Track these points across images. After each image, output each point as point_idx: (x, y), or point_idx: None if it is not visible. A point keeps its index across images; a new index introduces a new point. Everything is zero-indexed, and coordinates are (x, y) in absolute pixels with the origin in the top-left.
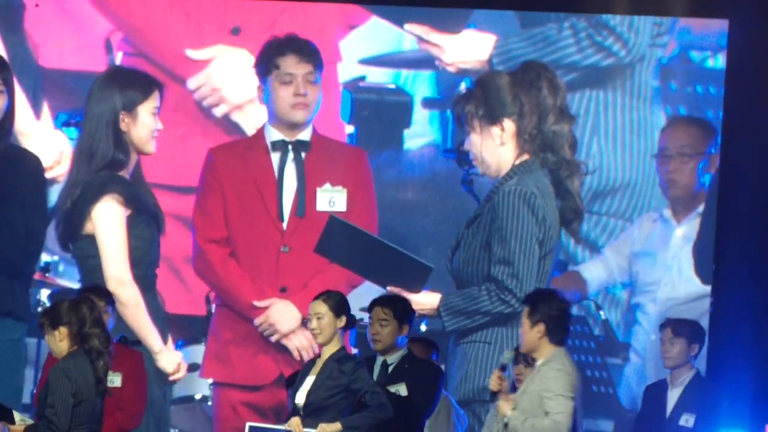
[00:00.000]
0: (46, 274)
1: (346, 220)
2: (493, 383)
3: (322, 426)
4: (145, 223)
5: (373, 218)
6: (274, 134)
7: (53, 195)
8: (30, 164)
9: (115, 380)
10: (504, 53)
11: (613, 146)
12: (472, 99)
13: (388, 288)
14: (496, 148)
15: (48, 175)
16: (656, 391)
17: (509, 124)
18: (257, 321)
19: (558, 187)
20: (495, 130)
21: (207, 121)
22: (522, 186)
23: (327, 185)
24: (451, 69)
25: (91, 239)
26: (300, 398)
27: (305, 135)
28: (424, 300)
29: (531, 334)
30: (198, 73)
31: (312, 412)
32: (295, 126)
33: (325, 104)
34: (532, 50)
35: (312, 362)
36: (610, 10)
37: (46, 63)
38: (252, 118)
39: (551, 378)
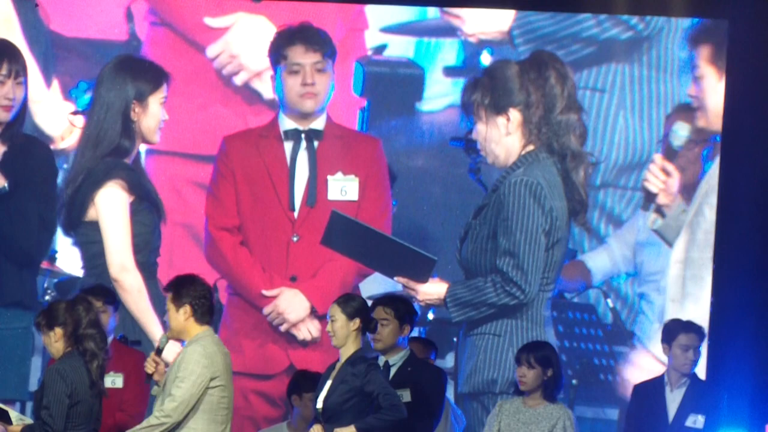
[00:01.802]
0: (53, 263)
1: (347, 215)
2: (149, 365)
3: (337, 431)
4: (147, 210)
5: (386, 207)
6: (287, 123)
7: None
8: (41, 153)
9: (116, 381)
10: (523, 25)
11: (640, 120)
12: (479, 87)
13: (396, 278)
14: (501, 137)
15: (57, 146)
16: (651, 391)
17: (515, 114)
18: (266, 310)
19: (565, 178)
20: (500, 119)
21: (227, 89)
22: (528, 176)
23: (339, 174)
24: (472, 39)
25: (94, 225)
26: (319, 403)
27: (318, 124)
28: (431, 289)
29: (178, 317)
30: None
31: (330, 417)
32: (307, 115)
33: (351, 74)
34: (551, 23)
35: (332, 366)
36: (610, 11)
37: (63, 31)
38: (271, 86)
39: (186, 359)
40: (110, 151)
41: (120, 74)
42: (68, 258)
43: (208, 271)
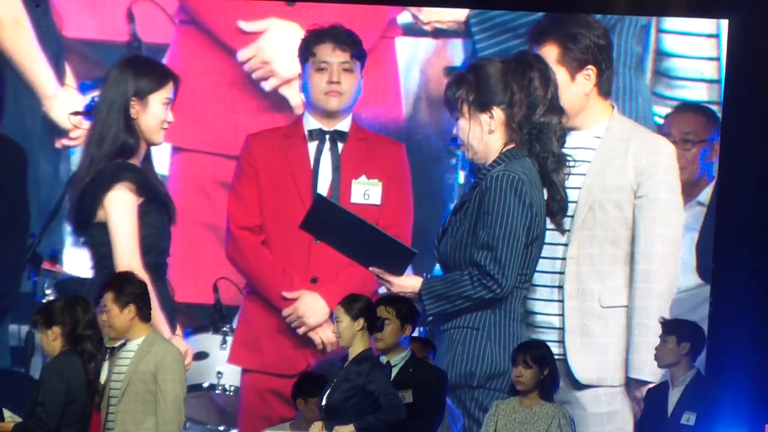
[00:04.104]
0: (54, 263)
1: (331, 200)
2: None
3: (337, 428)
4: (156, 212)
5: (408, 213)
6: (311, 123)
7: (68, 163)
8: (12, 156)
9: None
10: (480, 14)
11: None
12: (464, 84)
13: (371, 269)
14: (484, 135)
15: (67, 141)
16: (658, 393)
17: (498, 113)
18: (285, 312)
19: (544, 179)
20: (484, 117)
21: (256, 91)
22: (510, 171)
23: (362, 178)
24: (427, 28)
25: (103, 227)
26: (324, 400)
27: (344, 125)
28: (407, 282)
29: (122, 317)
30: (249, 44)
31: (332, 414)
32: (332, 114)
33: (381, 80)
34: (507, 10)
35: (342, 365)
36: (610, 11)
37: (68, 33)
38: (300, 93)
39: (169, 361)
40: (115, 150)
41: (124, 72)
42: (69, 258)
43: (232, 270)
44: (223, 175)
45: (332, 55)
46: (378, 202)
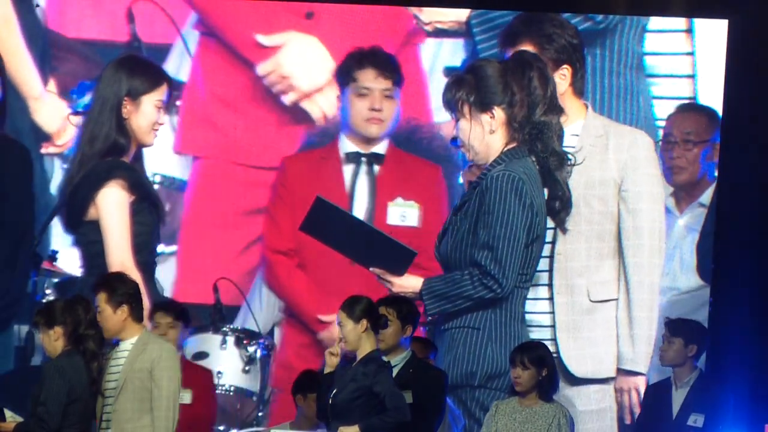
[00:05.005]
0: (54, 263)
1: (331, 201)
2: None
3: (342, 429)
4: (148, 211)
5: None
6: (348, 145)
7: (54, 165)
8: (17, 157)
9: (185, 397)
10: (482, 14)
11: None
12: (464, 85)
13: (371, 269)
14: (485, 135)
15: (55, 142)
16: (660, 392)
17: (499, 113)
18: (321, 335)
19: (546, 177)
20: (485, 117)
21: (277, 105)
22: (510, 171)
23: (399, 199)
24: (428, 28)
25: (95, 225)
26: (330, 400)
27: (380, 148)
28: (407, 282)
29: (115, 318)
30: (268, 58)
31: (338, 414)
32: (371, 139)
33: (410, 86)
34: (509, 12)
35: (350, 365)
36: (610, 11)
37: (65, 31)
38: (320, 107)
39: (164, 359)
40: (107, 149)
41: (118, 71)
42: (69, 258)
43: (232, 271)
44: (232, 180)
45: (375, 82)
46: (415, 223)
